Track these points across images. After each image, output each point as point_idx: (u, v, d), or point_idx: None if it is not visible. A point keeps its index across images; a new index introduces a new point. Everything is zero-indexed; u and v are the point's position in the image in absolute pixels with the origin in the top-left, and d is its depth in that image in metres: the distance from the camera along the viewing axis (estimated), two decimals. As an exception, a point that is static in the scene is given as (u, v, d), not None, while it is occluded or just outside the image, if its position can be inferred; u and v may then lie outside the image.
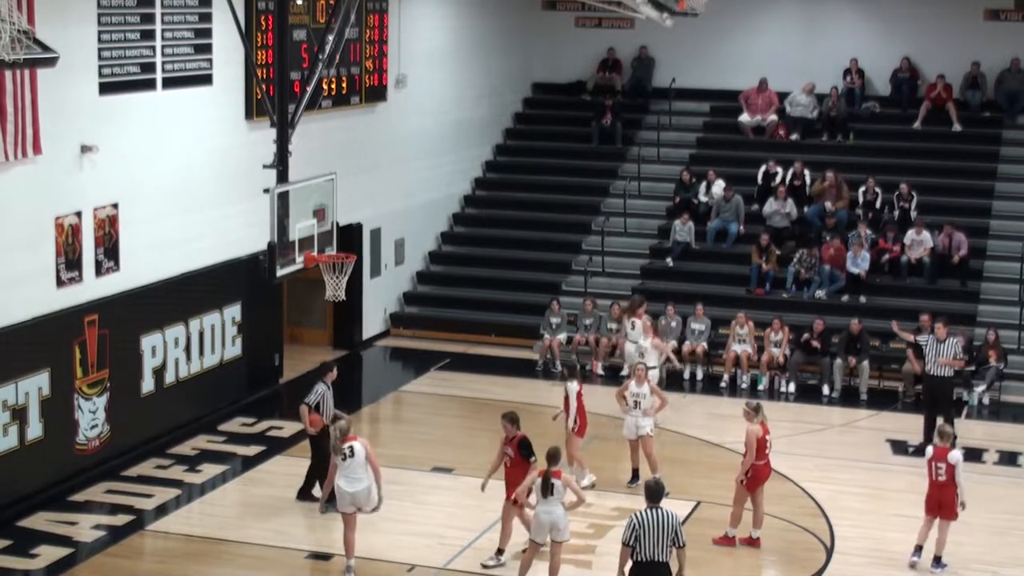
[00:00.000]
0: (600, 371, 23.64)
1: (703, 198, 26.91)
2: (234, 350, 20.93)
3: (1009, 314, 24.08)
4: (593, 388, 22.67)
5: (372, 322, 25.45)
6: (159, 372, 19.28)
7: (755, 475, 16.14)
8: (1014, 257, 24.98)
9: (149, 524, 16.71)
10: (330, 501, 15.68)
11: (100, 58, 17.70)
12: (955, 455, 15.49)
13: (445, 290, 26.75)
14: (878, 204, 26.02)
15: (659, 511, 12.65)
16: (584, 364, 23.79)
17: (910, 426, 20.98)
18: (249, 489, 18.07)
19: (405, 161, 25.84)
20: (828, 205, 26.05)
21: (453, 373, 23.66)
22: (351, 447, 14.88)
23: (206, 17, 19.68)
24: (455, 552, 15.24)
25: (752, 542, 16.23)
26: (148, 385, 19.08)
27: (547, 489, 14.38)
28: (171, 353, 19.51)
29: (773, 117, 28.76)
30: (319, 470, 16.85)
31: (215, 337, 20.46)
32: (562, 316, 24.18)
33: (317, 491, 17.01)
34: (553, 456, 14.59)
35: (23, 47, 12.35)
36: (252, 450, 19.33)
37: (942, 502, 15.54)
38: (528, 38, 30.78)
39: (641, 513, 12.65)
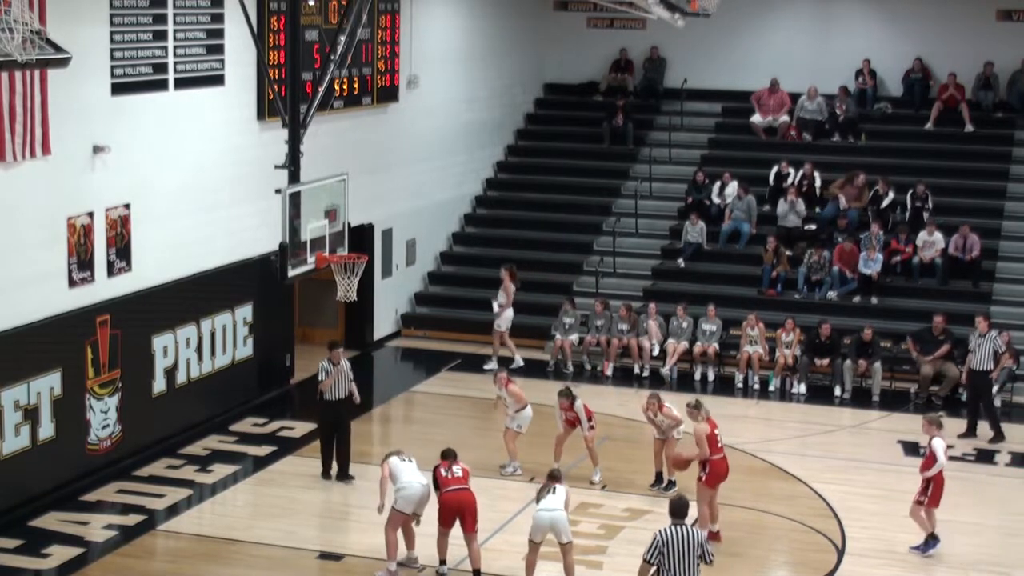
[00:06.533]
0: (609, 372, 23.65)
1: (715, 199, 26.89)
2: (245, 350, 20.96)
3: (1022, 315, 24.02)
4: (604, 389, 22.82)
5: (383, 322, 25.47)
6: (170, 372, 19.31)
7: (714, 471, 16.07)
8: (1027, 258, 25.01)
9: (160, 524, 16.74)
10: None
11: (112, 58, 17.74)
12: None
13: (456, 290, 26.75)
14: (884, 204, 25.93)
15: (684, 528, 12.27)
16: (595, 365, 23.89)
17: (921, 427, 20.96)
18: (260, 489, 18.10)
19: (416, 161, 25.85)
20: (842, 201, 26.00)
21: (464, 373, 23.68)
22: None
23: (218, 18, 19.71)
24: (467, 552, 15.23)
25: (714, 536, 16.13)
26: (159, 385, 19.11)
27: (548, 488, 14.69)
28: (182, 353, 19.54)
29: (785, 118, 28.72)
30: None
31: (226, 337, 20.49)
32: (575, 317, 24.18)
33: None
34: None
35: (35, 47, 12.38)
36: (263, 450, 19.36)
37: None
38: (540, 39, 30.78)
39: (666, 531, 12.24)
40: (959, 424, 20.98)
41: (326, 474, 18.30)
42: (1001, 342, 20.90)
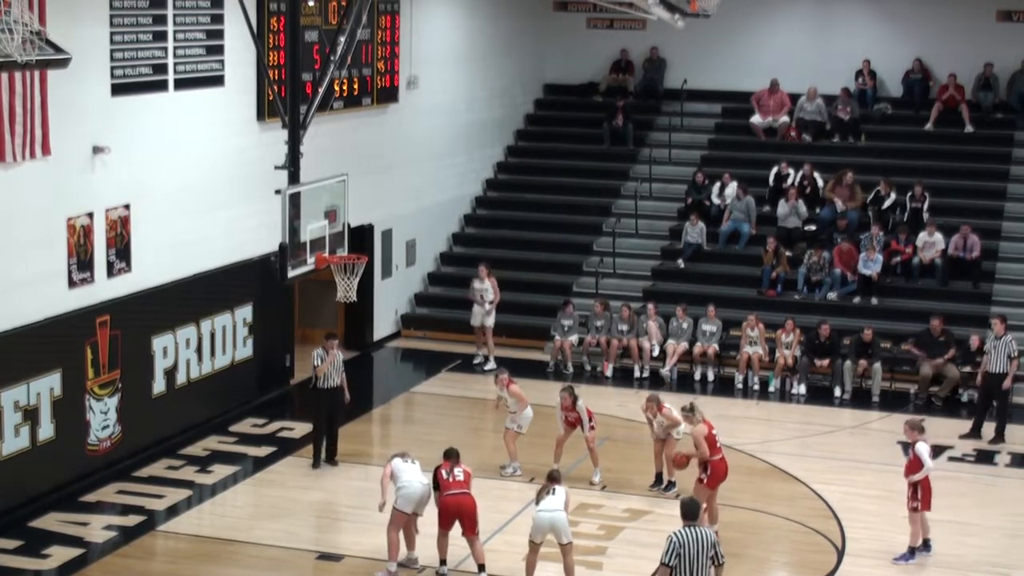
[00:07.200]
0: (609, 373, 23.64)
1: (715, 200, 26.88)
2: (245, 351, 20.95)
3: (1022, 316, 23.98)
4: (604, 390, 22.81)
5: (383, 323, 25.47)
6: (170, 373, 19.31)
7: (713, 472, 16.10)
8: (1026, 259, 25.00)
9: (160, 525, 16.74)
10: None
11: (112, 59, 17.73)
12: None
13: (456, 291, 26.67)
14: (886, 205, 25.93)
15: (696, 529, 12.21)
16: (595, 366, 23.88)
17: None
18: (260, 490, 18.09)
19: (416, 162, 25.85)
20: (839, 203, 26.01)
21: (464, 374, 23.69)
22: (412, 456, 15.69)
23: (218, 18, 19.70)
24: (467, 553, 15.24)
25: None
26: (159, 386, 19.10)
27: (548, 489, 14.70)
28: (182, 354, 19.54)
29: (785, 118, 28.72)
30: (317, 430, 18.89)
31: (226, 338, 20.48)
32: (574, 318, 24.17)
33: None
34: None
35: (35, 48, 12.37)
36: (263, 451, 19.36)
37: None
38: (540, 39, 30.77)
39: (681, 532, 12.16)
40: (959, 424, 21.01)
41: (316, 463, 18.62)
42: (1015, 346, 20.75)
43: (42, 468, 16.94)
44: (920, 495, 15.97)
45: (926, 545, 16.14)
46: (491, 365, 23.37)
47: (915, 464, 16.00)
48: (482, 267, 24.34)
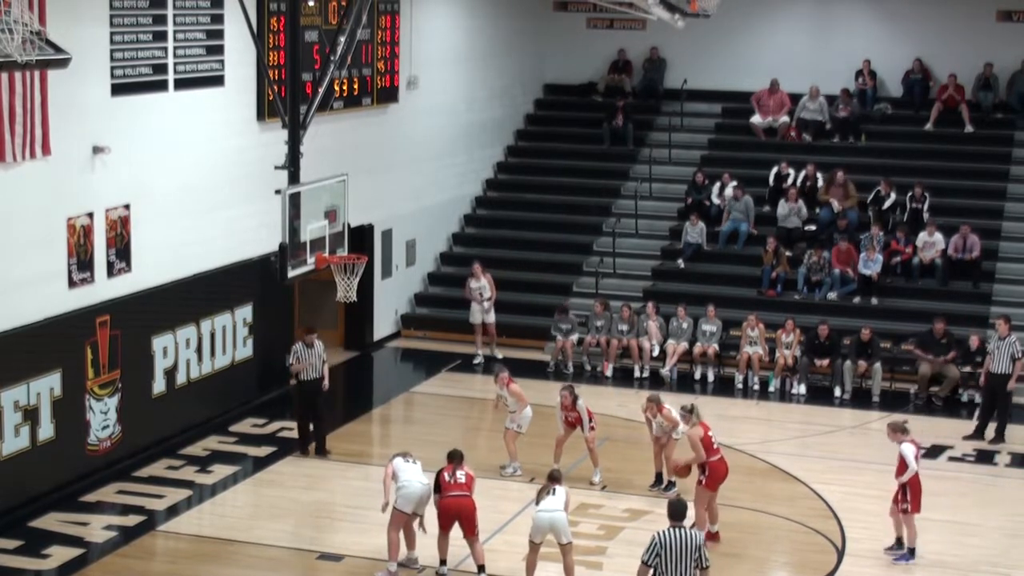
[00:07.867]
0: (609, 373, 23.63)
1: (715, 200, 26.88)
2: (245, 351, 20.95)
3: (1022, 316, 23.96)
4: (604, 390, 22.81)
5: (383, 323, 25.46)
6: (170, 373, 19.31)
7: (713, 473, 16.05)
8: (1026, 259, 25.00)
9: (160, 525, 16.74)
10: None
11: (112, 59, 17.73)
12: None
13: (456, 291, 26.64)
14: (886, 205, 25.93)
15: (682, 531, 12.24)
16: (595, 366, 23.88)
17: (921, 427, 20.90)
18: (260, 490, 18.09)
19: (416, 162, 25.85)
20: (835, 204, 26.01)
21: (464, 374, 23.69)
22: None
23: (218, 18, 19.70)
24: (467, 553, 15.25)
25: (713, 536, 16.09)
26: (159, 386, 19.10)
27: (548, 489, 14.73)
28: (182, 354, 19.53)
29: (785, 118, 28.72)
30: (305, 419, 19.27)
31: (226, 338, 20.48)
32: (572, 320, 24.13)
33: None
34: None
35: (35, 48, 12.37)
36: (263, 451, 19.35)
37: None
38: (540, 39, 30.77)
39: (664, 532, 12.22)
40: (959, 424, 21.01)
41: (303, 451, 18.99)
42: (1019, 346, 20.68)
43: (42, 468, 16.94)
44: (910, 496, 15.93)
45: (899, 543, 16.06)
46: (499, 357, 23.56)
47: (903, 466, 15.97)
48: (476, 265, 24.48)
